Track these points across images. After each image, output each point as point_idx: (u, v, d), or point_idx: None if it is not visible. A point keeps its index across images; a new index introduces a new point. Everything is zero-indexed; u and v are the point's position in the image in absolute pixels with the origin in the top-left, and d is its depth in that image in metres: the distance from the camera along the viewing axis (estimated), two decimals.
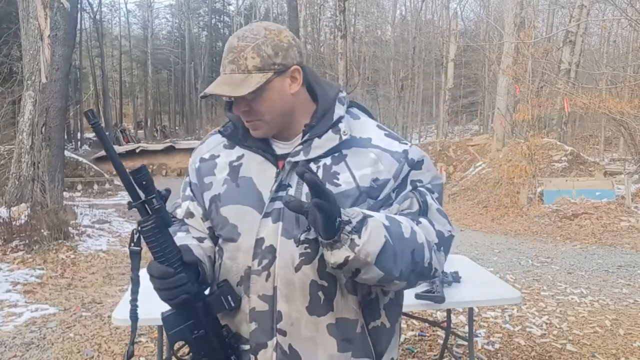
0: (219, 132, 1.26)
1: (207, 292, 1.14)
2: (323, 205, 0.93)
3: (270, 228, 1.12)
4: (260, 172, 1.17)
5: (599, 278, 5.30)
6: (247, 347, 1.15)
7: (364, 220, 0.98)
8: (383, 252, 0.98)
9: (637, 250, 6.51)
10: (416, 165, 1.16)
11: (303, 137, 1.16)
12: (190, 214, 1.27)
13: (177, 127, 40.08)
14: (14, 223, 6.08)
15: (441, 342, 3.41)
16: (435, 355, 3.33)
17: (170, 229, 1.09)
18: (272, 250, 1.12)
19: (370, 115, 1.27)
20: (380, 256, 0.98)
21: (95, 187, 12.42)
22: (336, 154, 1.14)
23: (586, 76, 16.44)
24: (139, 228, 1.04)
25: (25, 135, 7.09)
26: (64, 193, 8.09)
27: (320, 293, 1.11)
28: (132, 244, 1.05)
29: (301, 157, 1.13)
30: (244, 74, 1.09)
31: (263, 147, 1.19)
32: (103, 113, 30.74)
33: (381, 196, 1.13)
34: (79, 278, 5.14)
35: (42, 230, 6.01)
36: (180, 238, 1.18)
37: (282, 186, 1.14)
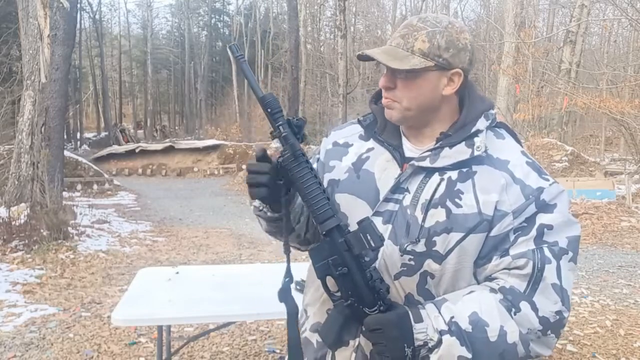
0: (359, 121, 1.24)
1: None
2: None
3: (378, 228, 1.07)
4: (383, 170, 1.14)
5: (599, 278, 5.29)
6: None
7: (434, 348, 0.99)
8: None
9: (637, 251, 6.50)
10: (546, 207, 1.04)
11: (436, 144, 1.11)
12: None
13: (176, 127, 40.02)
14: (13, 223, 6.07)
15: None
16: None
17: None
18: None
19: (517, 141, 1.18)
20: None
21: (95, 187, 12.40)
22: (465, 169, 1.07)
23: (587, 76, 16.44)
24: (279, 160, 1.06)
25: (25, 135, 7.08)
26: (64, 193, 8.09)
27: None
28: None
29: (427, 164, 1.08)
30: (407, 52, 1.07)
31: (394, 146, 1.15)
32: (102, 113, 30.79)
33: (496, 232, 1.04)
34: (79, 278, 5.13)
35: (42, 230, 6.00)
36: None
37: (399, 189, 1.10)
